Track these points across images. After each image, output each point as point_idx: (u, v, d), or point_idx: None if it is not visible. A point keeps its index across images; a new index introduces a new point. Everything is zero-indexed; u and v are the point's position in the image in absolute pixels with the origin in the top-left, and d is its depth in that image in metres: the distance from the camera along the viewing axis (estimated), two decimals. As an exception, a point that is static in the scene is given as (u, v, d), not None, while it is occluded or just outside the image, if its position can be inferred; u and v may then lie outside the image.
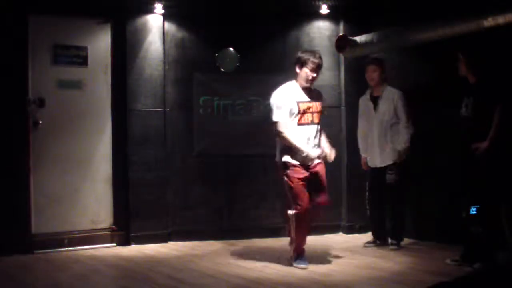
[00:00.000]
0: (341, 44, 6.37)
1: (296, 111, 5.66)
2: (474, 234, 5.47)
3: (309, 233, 5.81)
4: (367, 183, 6.71)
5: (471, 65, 5.58)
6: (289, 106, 5.65)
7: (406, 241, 6.58)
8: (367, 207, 6.73)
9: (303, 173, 5.64)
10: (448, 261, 5.67)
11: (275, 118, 5.67)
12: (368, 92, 6.69)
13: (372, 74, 6.56)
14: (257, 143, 7.14)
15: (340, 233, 7.45)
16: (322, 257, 6.01)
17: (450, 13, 5.78)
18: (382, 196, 6.58)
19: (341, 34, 6.90)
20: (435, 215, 6.59)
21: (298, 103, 5.67)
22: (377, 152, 6.53)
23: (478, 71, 5.56)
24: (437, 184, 6.55)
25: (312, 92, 5.80)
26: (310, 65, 5.66)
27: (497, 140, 5.40)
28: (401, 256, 6.10)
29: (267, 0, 7.14)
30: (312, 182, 5.70)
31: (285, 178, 5.66)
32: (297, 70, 5.74)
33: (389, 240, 6.51)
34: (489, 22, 5.23)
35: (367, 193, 6.71)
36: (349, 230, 7.41)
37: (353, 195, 7.38)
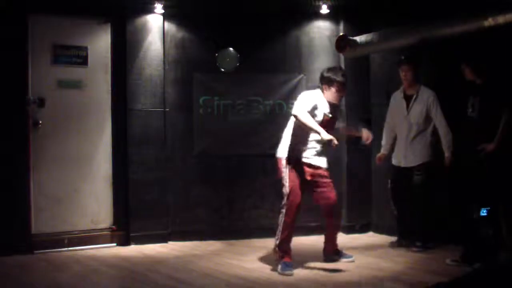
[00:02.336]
0: (341, 44, 6.36)
1: (319, 120, 5.63)
2: (484, 236, 5.45)
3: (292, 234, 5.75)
4: (389, 182, 6.59)
5: (476, 71, 5.58)
6: (313, 105, 5.61)
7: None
8: (393, 207, 6.60)
9: (304, 173, 5.64)
10: (448, 261, 5.66)
11: (294, 111, 5.55)
12: (401, 89, 6.56)
13: (406, 73, 6.44)
14: (257, 143, 7.15)
15: (340, 233, 7.40)
16: (322, 257, 5.99)
17: (450, 13, 5.77)
18: (406, 196, 6.44)
19: (341, 34, 6.89)
20: (435, 215, 6.57)
21: (324, 114, 5.68)
22: (404, 153, 6.43)
23: (484, 73, 5.56)
24: (437, 184, 6.53)
25: (335, 107, 5.81)
26: (337, 86, 5.69)
27: (503, 142, 5.41)
28: (401, 256, 6.10)
29: (267, 0, 7.14)
30: (314, 183, 5.71)
31: (284, 174, 5.64)
32: (324, 87, 5.75)
33: (416, 243, 6.35)
34: (489, 22, 5.23)
35: (390, 193, 6.60)
36: (349, 230, 7.40)
37: (353, 195, 7.38)
